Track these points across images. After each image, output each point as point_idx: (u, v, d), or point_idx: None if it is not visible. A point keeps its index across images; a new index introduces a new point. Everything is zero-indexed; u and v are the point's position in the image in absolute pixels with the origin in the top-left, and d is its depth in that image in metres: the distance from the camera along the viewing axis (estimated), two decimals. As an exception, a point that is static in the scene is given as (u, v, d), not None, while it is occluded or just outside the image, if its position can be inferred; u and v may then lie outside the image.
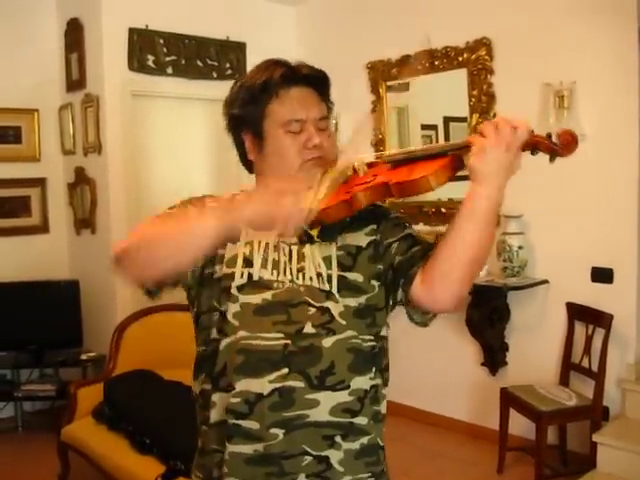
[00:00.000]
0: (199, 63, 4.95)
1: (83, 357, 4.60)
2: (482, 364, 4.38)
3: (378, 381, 1.48)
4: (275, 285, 1.43)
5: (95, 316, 4.76)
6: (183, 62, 4.86)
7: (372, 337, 1.47)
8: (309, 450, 1.38)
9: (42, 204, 5.06)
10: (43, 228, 5.08)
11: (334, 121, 5.02)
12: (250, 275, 1.44)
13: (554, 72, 3.89)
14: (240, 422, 1.39)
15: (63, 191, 5.13)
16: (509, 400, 3.84)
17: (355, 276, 1.45)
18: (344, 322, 1.42)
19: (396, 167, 1.42)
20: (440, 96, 4.82)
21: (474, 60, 4.29)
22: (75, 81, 4.83)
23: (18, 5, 4.82)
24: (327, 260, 1.46)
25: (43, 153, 5.04)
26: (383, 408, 1.52)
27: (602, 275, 3.84)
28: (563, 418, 3.75)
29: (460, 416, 4.58)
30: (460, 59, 4.38)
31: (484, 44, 4.24)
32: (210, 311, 1.46)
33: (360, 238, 1.49)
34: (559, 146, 1.27)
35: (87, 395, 3.75)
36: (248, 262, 1.45)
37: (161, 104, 4.87)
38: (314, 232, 1.49)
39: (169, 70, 4.81)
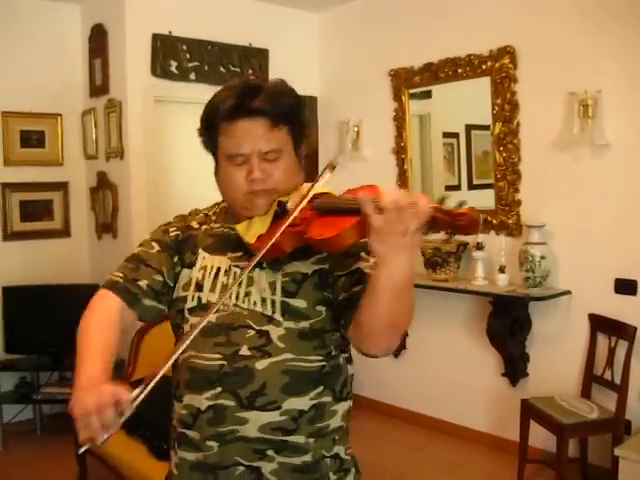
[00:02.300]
0: (222, 69, 4.97)
1: (102, 361, 4.60)
2: (503, 375, 4.34)
3: (326, 399, 1.51)
4: (220, 308, 1.48)
5: (115, 320, 4.75)
6: (206, 68, 4.88)
7: (321, 358, 1.50)
8: (241, 461, 1.46)
9: (64, 208, 5.10)
10: (65, 232, 5.11)
11: (355, 129, 5.06)
12: (199, 298, 1.53)
13: (578, 81, 3.85)
14: (186, 431, 1.52)
15: (85, 195, 5.17)
16: (530, 412, 3.80)
17: (298, 302, 1.48)
18: (282, 345, 1.46)
19: (321, 216, 1.38)
20: (463, 104, 4.80)
21: (498, 68, 4.26)
22: (98, 86, 4.87)
23: (43, 11, 4.87)
24: (272, 286, 1.49)
25: (66, 157, 5.08)
26: (335, 422, 1.54)
27: (626, 286, 3.79)
28: (584, 431, 3.70)
29: (480, 427, 4.54)
30: (484, 67, 4.35)
31: (508, 52, 4.20)
32: (174, 328, 1.60)
33: (306, 266, 1.51)
34: (458, 225, 1.17)
35: (106, 399, 3.75)
36: (199, 286, 1.54)
37: (184, 110, 4.88)
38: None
39: (192, 76, 4.83)
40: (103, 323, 1.51)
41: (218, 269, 1.54)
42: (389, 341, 1.39)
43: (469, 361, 4.56)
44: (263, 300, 1.48)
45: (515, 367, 4.26)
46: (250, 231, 1.48)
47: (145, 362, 3.85)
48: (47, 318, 4.65)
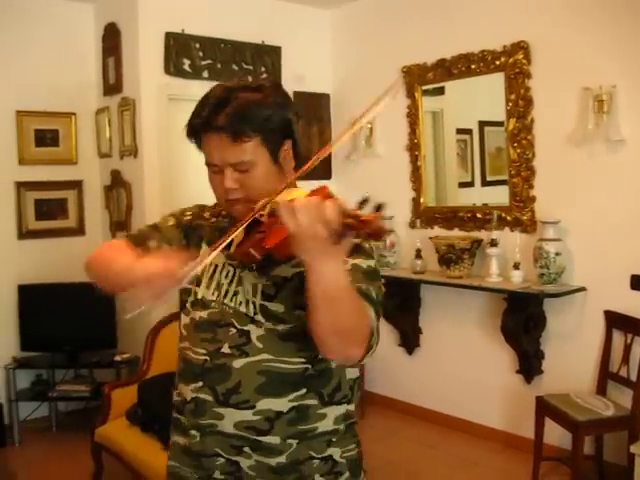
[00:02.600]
0: (235, 67, 4.97)
1: (117, 358, 4.63)
2: (517, 372, 4.33)
3: (310, 402, 1.52)
4: (212, 305, 1.57)
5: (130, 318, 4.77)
6: (219, 66, 4.89)
7: (304, 360, 1.50)
8: (222, 453, 1.52)
9: (78, 206, 5.12)
10: (79, 230, 5.14)
11: (369, 125, 5.05)
12: (196, 293, 1.60)
13: (593, 76, 3.83)
14: (178, 416, 1.62)
15: (99, 194, 5.19)
16: (545, 409, 3.78)
17: (276, 306, 1.50)
18: (261, 345, 1.49)
19: (282, 223, 1.32)
20: (476, 100, 4.78)
21: (511, 64, 4.24)
22: (112, 85, 4.88)
23: (56, 10, 4.90)
24: (254, 288, 1.53)
25: (80, 156, 5.10)
26: (325, 425, 1.54)
27: (642, 283, 3.77)
28: (600, 428, 3.68)
29: (495, 424, 4.53)
30: (497, 63, 4.33)
31: (522, 48, 4.18)
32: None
33: (287, 270, 1.51)
34: (366, 232, 1.16)
35: (121, 396, 3.77)
36: (198, 281, 1.60)
37: (196, 108, 4.88)
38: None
39: (205, 74, 4.83)
40: (119, 246, 1.60)
41: (215, 266, 1.58)
42: (345, 350, 1.34)
43: (483, 358, 4.54)
44: (247, 301, 1.52)
45: (530, 364, 4.24)
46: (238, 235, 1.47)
47: (160, 359, 3.87)
48: (62, 316, 4.69)
